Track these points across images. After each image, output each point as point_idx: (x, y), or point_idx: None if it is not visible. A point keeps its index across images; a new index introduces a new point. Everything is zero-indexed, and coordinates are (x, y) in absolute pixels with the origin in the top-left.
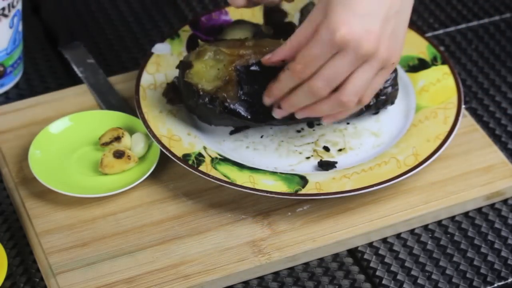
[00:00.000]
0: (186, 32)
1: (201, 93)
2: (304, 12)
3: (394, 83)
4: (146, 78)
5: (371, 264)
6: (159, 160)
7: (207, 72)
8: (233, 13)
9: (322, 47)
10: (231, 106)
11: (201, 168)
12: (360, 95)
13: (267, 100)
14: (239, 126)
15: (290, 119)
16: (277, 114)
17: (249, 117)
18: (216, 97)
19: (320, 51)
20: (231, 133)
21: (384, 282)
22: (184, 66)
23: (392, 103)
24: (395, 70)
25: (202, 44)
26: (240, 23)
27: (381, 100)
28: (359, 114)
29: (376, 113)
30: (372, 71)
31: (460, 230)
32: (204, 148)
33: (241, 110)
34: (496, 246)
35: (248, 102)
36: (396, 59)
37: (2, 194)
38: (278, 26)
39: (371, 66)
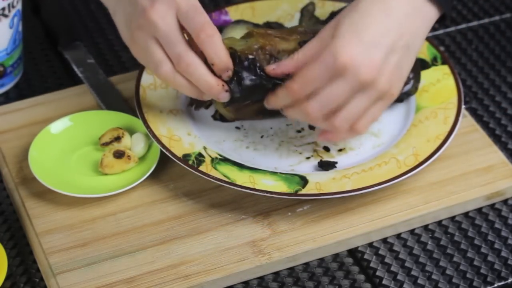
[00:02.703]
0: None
1: None
2: (304, 12)
3: (415, 83)
4: (146, 78)
5: (371, 264)
6: (159, 160)
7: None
8: (233, 13)
9: (322, 70)
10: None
11: (201, 168)
12: (352, 122)
13: (267, 105)
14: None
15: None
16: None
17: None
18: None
19: (319, 73)
20: (214, 118)
21: (384, 282)
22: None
23: (401, 100)
24: (417, 76)
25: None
26: (240, 23)
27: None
28: None
29: None
30: (368, 100)
31: (460, 230)
32: (204, 148)
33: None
34: (496, 246)
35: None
36: (396, 91)
37: (2, 194)
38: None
39: (368, 96)
